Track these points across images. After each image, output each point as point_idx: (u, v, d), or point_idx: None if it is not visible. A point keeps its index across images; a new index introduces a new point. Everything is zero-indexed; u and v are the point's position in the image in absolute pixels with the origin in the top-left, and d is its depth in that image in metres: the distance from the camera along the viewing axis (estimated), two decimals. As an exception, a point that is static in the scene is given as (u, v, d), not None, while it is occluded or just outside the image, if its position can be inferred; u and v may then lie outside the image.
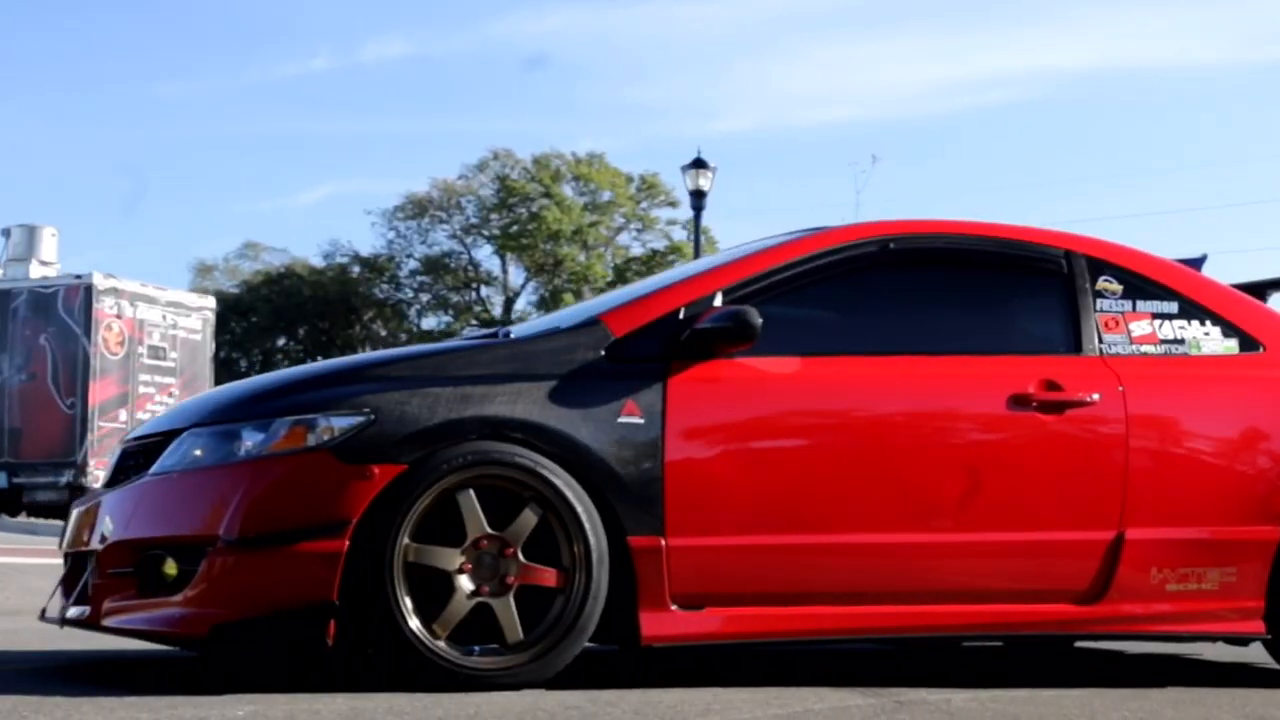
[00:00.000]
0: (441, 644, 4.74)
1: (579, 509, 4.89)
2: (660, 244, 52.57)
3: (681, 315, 5.21)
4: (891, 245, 5.65)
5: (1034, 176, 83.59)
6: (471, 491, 4.83)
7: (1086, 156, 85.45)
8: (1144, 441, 5.58)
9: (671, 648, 5.04)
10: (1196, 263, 6.45)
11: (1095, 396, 5.55)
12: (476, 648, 4.80)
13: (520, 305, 52.36)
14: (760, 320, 5.06)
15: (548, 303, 50.95)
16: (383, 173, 75.39)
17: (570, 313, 5.83)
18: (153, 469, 4.99)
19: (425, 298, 52.26)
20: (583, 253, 50.99)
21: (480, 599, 4.81)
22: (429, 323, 52.21)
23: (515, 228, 50.69)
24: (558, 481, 4.87)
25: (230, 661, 5.55)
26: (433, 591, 4.77)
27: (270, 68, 74.58)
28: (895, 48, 77.71)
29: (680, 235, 52.60)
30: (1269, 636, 5.71)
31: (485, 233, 51.51)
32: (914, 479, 5.31)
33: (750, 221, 79.44)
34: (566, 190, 51.33)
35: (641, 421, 5.01)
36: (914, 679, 5.45)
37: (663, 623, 4.99)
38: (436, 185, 51.45)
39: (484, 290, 52.36)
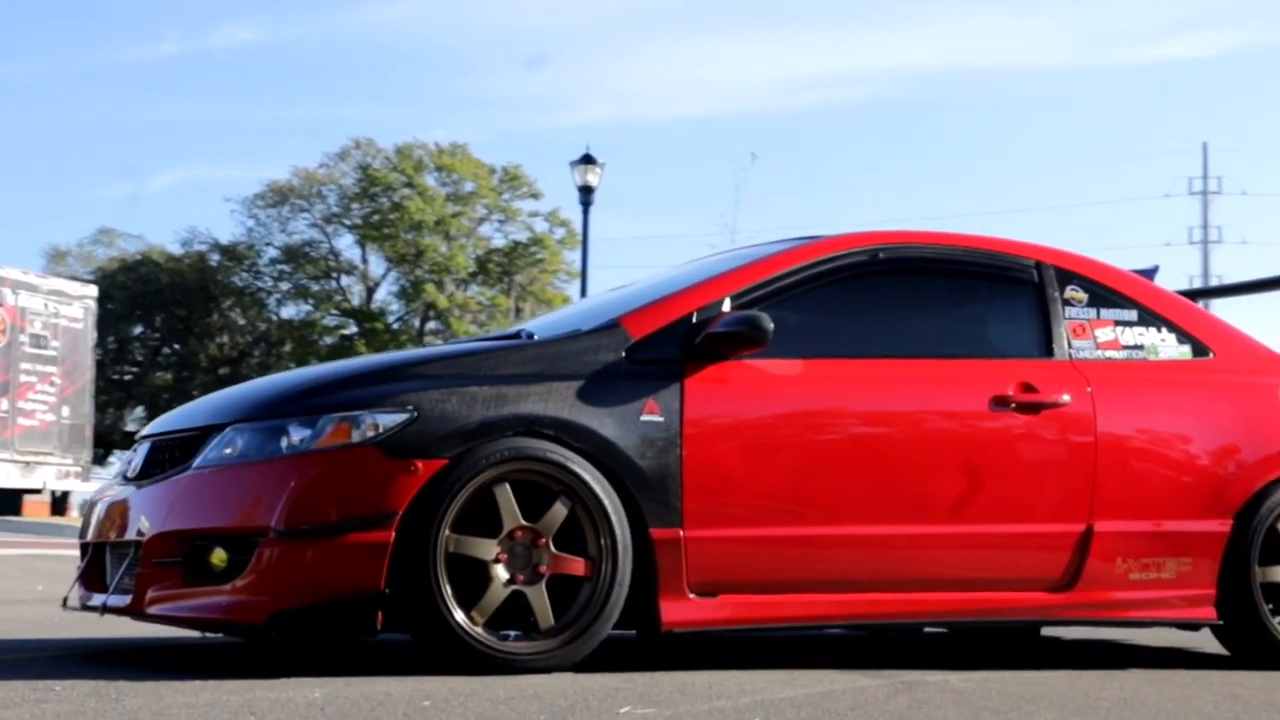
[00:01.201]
0: (480, 630, 5.00)
1: (606, 502, 5.17)
2: (522, 235, 52.73)
3: (695, 319, 5.51)
4: (880, 254, 6.00)
5: (881, 173, 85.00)
6: (507, 485, 5.09)
7: (933, 154, 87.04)
8: (1110, 440, 6.00)
9: (688, 633, 5.33)
10: (1149, 273, 6.91)
11: (1067, 398, 5.95)
12: (511, 633, 5.07)
13: (381, 295, 52.26)
14: (772, 325, 5.38)
15: (408, 293, 50.91)
16: (240, 160, 74.57)
17: (581, 313, 6.11)
18: (196, 463, 5.18)
19: (285, 287, 51.89)
20: (445, 243, 50.93)
21: (515, 587, 5.08)
22: (288, 312, 51.89)
23: (377, 217, 50.49)
24: (586, 476, 5.15)
25: (268, 647, 5.76)
26: (470, 580, 5.03)
27: (116, 51, 73.47)
28: (748, 44, 78.55)
29: (542, 227, 52.85)
30: (1220, 622, 6.16)
31: (346, 222, 51.26)
32: (907, 475, 5.67)
33: (617, 214, 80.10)
34: (429, 180, 51.23)
35: (661, 420, 5.31)
36: (904, 662, 5.82)
37: (681, 610, 5.29)
38: (297, 174, 51.09)
39: (344, 280, 52.13)
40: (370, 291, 52.06)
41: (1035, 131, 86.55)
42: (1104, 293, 6.32)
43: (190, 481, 5.16)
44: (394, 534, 4.93)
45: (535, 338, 5.51)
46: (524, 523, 5.11)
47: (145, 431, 5.86)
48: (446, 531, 4.99)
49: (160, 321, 50.50)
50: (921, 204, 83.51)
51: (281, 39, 71.78)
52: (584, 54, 78.44)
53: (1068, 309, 6.21)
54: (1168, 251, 59.01)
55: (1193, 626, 6.32)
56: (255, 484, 5.04)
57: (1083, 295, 6.27)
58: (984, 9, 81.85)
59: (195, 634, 6.04)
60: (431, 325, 51.48)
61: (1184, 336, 6.41)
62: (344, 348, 50.06)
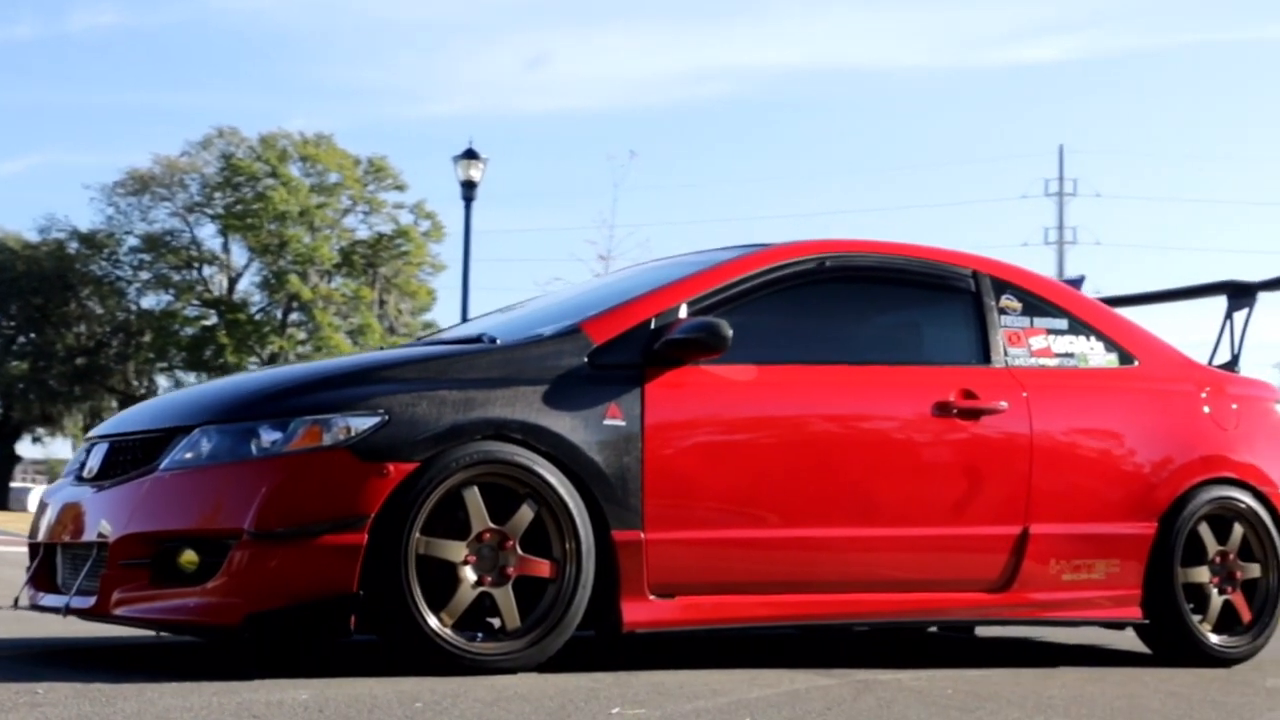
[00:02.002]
0: (449, 631, 5.06)
1: (571, 505, 5.25)
2: (387, 228, 52.44)
3: (653, 325, 5.60)
4: (827, 263, 6.14)
5: (746, 170, 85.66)
6: (476, 488, 5.15)
7: (796, 152, 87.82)
8: (1045, 445, 6.20)
9: (647, 634, 5.43)
10: (1076, 283, 7.12)
11: (1004, 404, 6.14)
12: (479, 634, 5.14)
13: (243, 286, 51.66)
14: (730, 332, 5.49)
15: (271, 284, 50.38)
16: (99, 146, 73.34)
17: (532, 316, 6.20)
18: (163, 464, 5.17)
19: (145, 276, 51.09)
20: (309, 234, 50.49)
21: (483, 589, 5.14)
22: (148, 301, 51.10)
23: (240, 207, 49.92)
24: (552, 479, 5.23)
25: (233, 648, 5.76)
26: (439, 582, 5.08)
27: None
28: (613, 39, 78.77)
29: (407, 219, 52.59)
30: (1147, 622, 6.39)
31: (209, 211, 50.61)
32: (856, 479, 5.82)
33: (483, 207, 79.67)
34: (293, 170, 50.76)
35: (623, 424, 5.41)
36: (847, 660, 5.97)
37: (642, 611, 5.39)
38: (159, 161, 50.32)
39: (206, 270, 51.45)
40: (232, 282, 51.46)
41: (897, 131, 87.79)
42: (1036, 302, 6.53)
43: (157, 483, 5.15)
44: (367, 536, 4.97)
45: (498, 342, 5.57)
46: (492, 525, 5.17)
47: (99, 431, 5.84)
48: (417, 534, 5.04)
49: (15, 310, 49.46)
50: (785, 201, 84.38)
51: (142, 23, 70.71)
52: (447, 46, 78.10)
53: (1003, 317, 6.40)
54: (1024, 251, 60.03)
55: (1119, 626, 6.55)
56: (226, 486, 5.05)
57: (1017, 304, 6.46)
58: (845, 8, 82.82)
59: (148, 634, 6.02)
60: (294, 317, 51.03)
61: (1111, 345, 6.63)
62: (205, 339, 49.47)
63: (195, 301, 51.17)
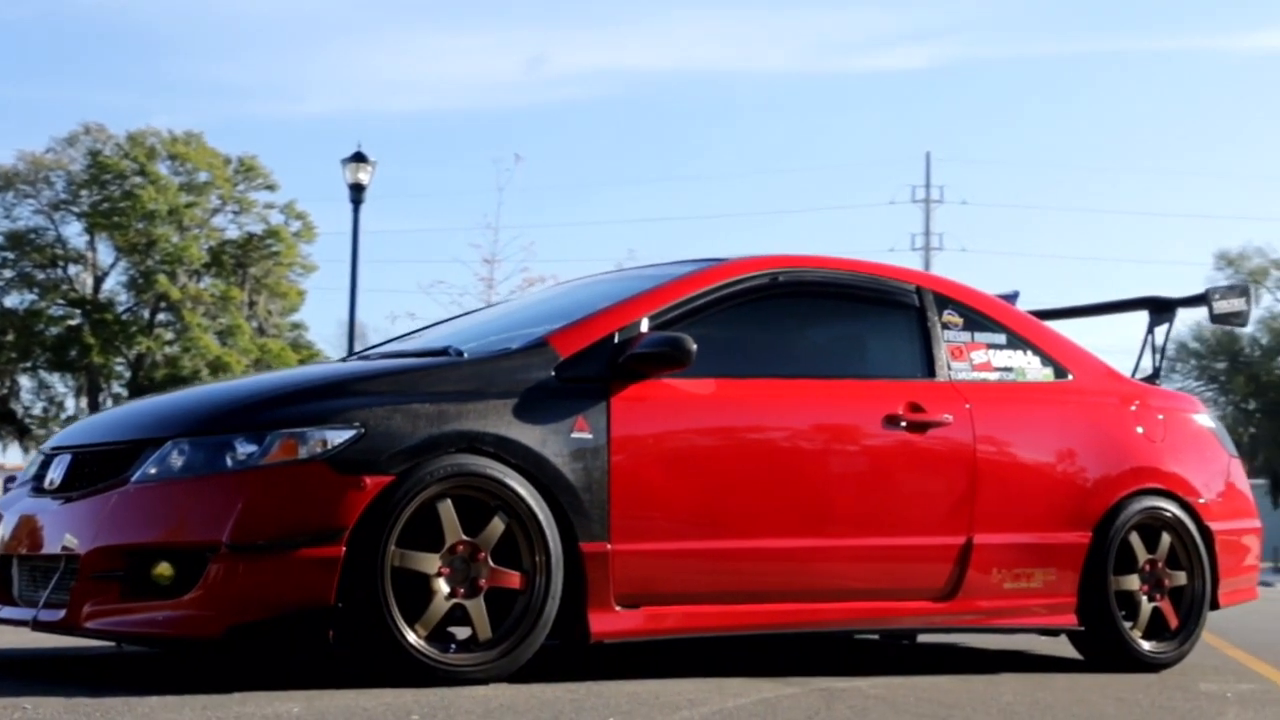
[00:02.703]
0: (423, 643, 5.10)
1: (541, 518, 5.32)
2: (258, 228, 51.91)
3: (616, 339, 5.68)
4: (779, 278, 6.26)
5: (612, 172, 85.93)
6: (449, 500, 5.20)
7: (663, 155, 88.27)
8: (987, 457, 6.37)
9: (614, 644, 5.51)
10: (1011, 298, 7.30)
11: (949, 417, 6.30)
12: (453, 645, 5.19)
13: (109, 285, 50.83)
14: (694, 346, 5.58)
15: (139, 284, 49.64)
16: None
17: (488, 326, 6.30)
18: (135, 476, 5.15)
19: (8, 274, 50.07)
20: (178, 234, 49.81)
21: (456, 600, 5.19)
22: (11, 300, 50.05)
23: (107, 205, 49.09)
24: (523, 492, 5.29)
25: (193, 660, 5.74)
26: (413, 594, 5.12)
27: None
28: (481, 39, 78.69)
29: (278, 219, 52.11)
30: (1082, 629, 6.58)
31: (75, 209, 49.72)
32: (811, 491, 5.94)
33: (387, 205, 79.51)
34: (162, 169, 50.05)
35: (590, 437, 5.48)
36: (804, 669, 6.09)
37: (608, 621, 5.47)
38: (23, 158, 49.35)
39: (72, 268, 50.54)
40: (99, 281, 50.61)
41: (764, 136, 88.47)
42: (977, 317, 6.70)
43: (129, 495, 5.13)
44: (344, 549, 5.00)
45: (465, 355, 5.61)
46: (464, 537, 5.22)
47: (57, 443, 5.79)
48: (393, 546, 5.07)
49: None
50: (653, 204, 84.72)
51: (2, 16, 69.26)
52: (314, 44, 77.52)
53: (946, 332, 6.56)
54: (892, 257, 60.79)
55: (1054, 633, 6.75)
56: (202, 499, 5.05)
57: (959, 319, 6.63)
58: (701, 12, 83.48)
59: (102, 645, 5.98)
60: (162, 317, 50.33)
61: (1046, 359, 6.83)
62: (70, 339, 48.62)
63: (60, 301, 50.23)
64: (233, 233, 51.83)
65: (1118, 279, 73.42)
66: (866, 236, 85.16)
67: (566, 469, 5.40)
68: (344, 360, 7.06)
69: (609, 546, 5.46)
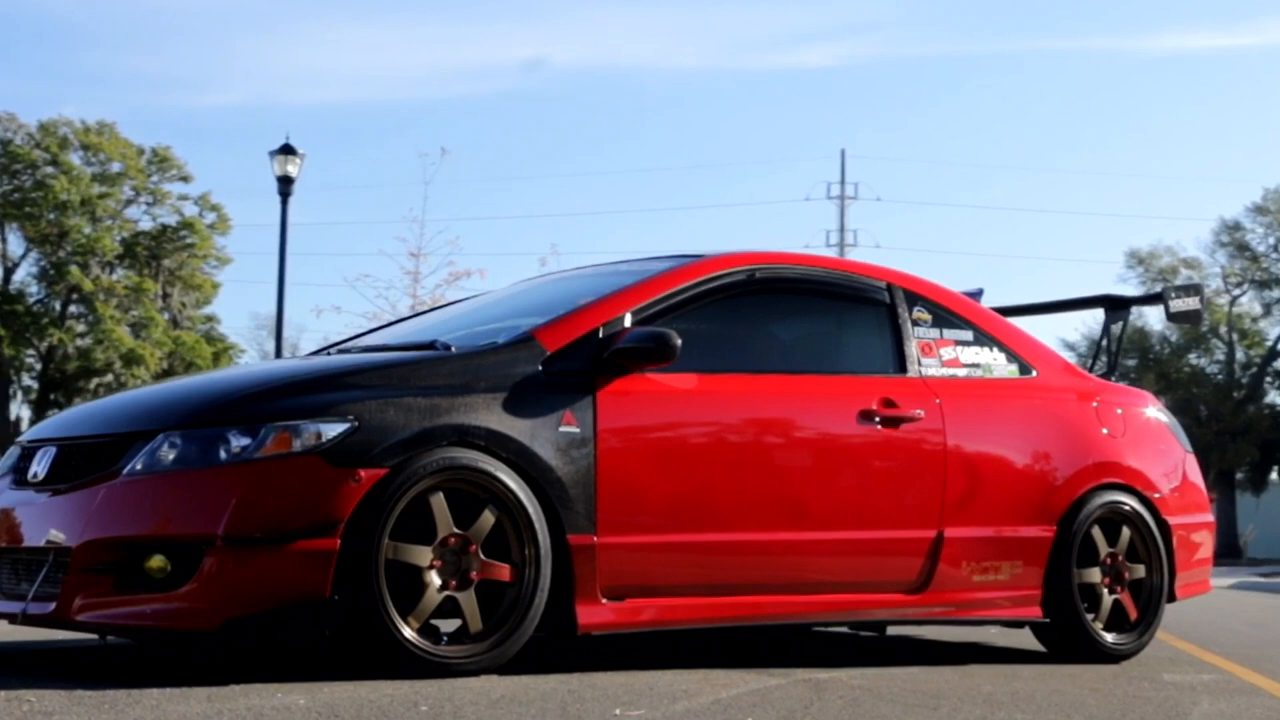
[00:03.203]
0: (416, 635, 5.13)
1: (530, 511, 5.36)
2: (171, 219, 51.43)
3: (600, 334, 5.73)
4: (757, 274, 6.33)
5: (528, 166, 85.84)
6: (441, 493, 5.23)
7: (577, 150, 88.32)
8: (957, 452, 6.48)
9: (599, 636, 5.56)
10: (976, 295, 7.41)
11: (920, 413, 6.40)
12: (445, 637, 5.22)
13: (20, 276, 50.15)
14: (680, 342, 5.64)
15: (50, 275, 49.02)
16: None
17: (465, 319, 6.35)
18: (126, 469, 5.14)
19: (-86, 265, 49.31)
20: (90, 225, 49.26)
21: (448, 593, 5.22)
22: (-87, 291, 49.28)
23: (18, 195, 48.46)
24: (513, 485, 5.34)
25: (193, 653, 5.74)
26: (405, 586, 5.15)
27: None
28: (399, 32, 78.36)
29: (192, 210, 51.66)
30: (1048, 620, 6.70)
31: (-15, 199, 49.02)
32: (789, 485, 6.02)
33: (267, 200, 78.76)
34: (74, 159, 49.46)
35: (578, 431, 5.53)
36: (783, 660, 6.16)
37: (595, 613, 5.52)
38: (-69, 147, 48.62)
39: (-19, 259, 49.83)
40: (9, 272, 49.92)
41: (680, 131, 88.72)
42: (944, 314, 6.80)
43: (120, 488, 5.12)
44: (339, 542, 5.02)
45: (453, 349, 5.64)
46: (456, 530, 5.25)
47: (38, 435, 5.76)
48: (386, 539, 5.10)
49: None
50: (575, 199, 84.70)
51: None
52: (227, 35, 76.86)
53: (916, 329, 6.66)
54: (807, 253, 61.21)
55: (1019, 624, 6.86)
56: (196, 491, 5.05)
57: (927, 316, 6.73)
58: (623, 9, 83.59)
59: (83, 638, 5.96)
60: (74, 309, 49.74)
61: (1012, 356, 6.95)
62: (-20, 330, 47.93)
63: (-32, 292, 49.51)
64: (146, 224, 51.34)
65: (1029, 276, 74.31)
66: (783, 232, 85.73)
67: (555, 462, 5.44)
68: (312, 355, 7.05)
69: (595, 539, 5.52)
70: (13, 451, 5.91)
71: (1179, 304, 7.78)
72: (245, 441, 5.08)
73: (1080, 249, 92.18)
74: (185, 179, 51.91)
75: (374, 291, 24.89)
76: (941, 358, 6.69)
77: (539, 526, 5.38)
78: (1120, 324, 7.96)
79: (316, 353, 7.11)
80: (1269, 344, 51.60)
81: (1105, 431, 7.05)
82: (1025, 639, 7.44)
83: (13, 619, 5.28)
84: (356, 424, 5.13)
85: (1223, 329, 51.00)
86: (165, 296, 51.09)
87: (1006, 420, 6.77)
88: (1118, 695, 5.57)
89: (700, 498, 5.80)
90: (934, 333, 6.72)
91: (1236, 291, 52.34)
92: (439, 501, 5.23)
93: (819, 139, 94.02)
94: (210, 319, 54.75)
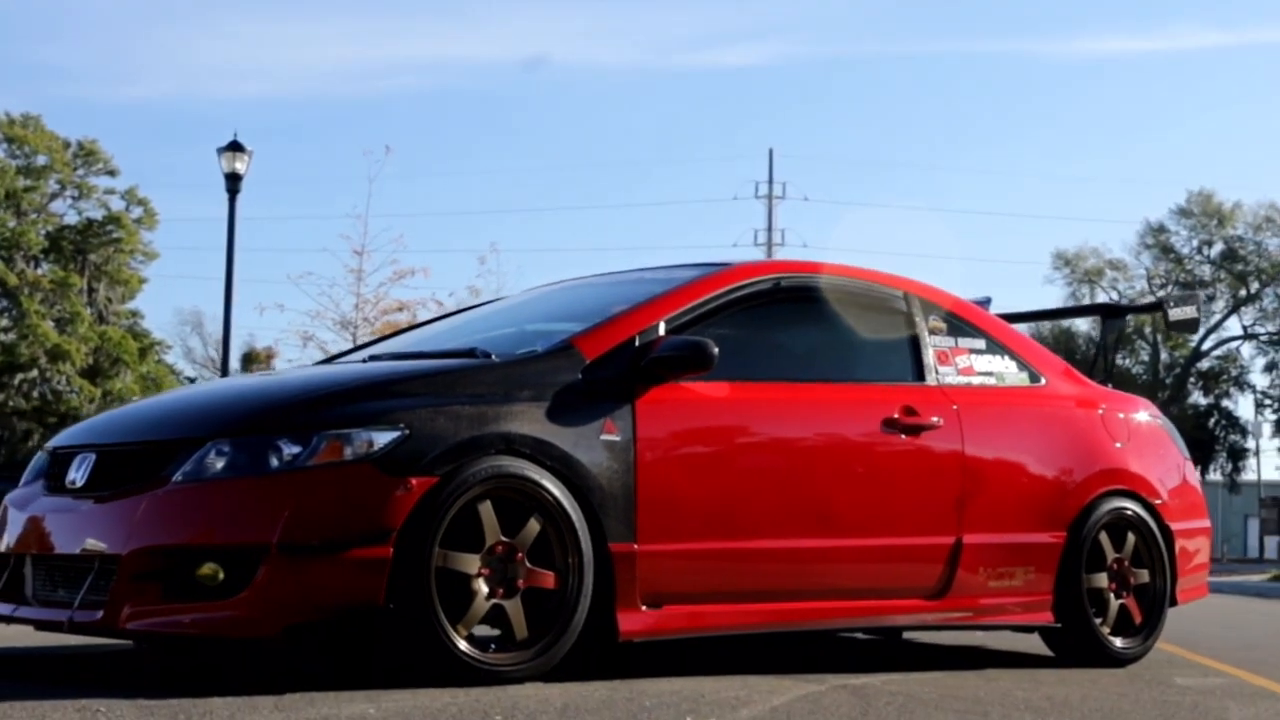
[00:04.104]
0: (465, 643, 5.15)
1: (574, 519, 5.39)
2: (98, 213, 50.95)
3: (636, 342, 5.77)
4: (781, 283, 6.39)
5: (452, 163, 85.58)
6: (489, 501, 5.25)
7: (508, 146, 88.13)
8: (974, 460, 6.56)
9: (639, 643, 5.59)
10: (984, 304, 7.51)
11: (940, 421, 6.48)
12: (492, 645, 5.24)
13: (-59, 271, 49.49)
14: (716, 350, 5.69)
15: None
16: None
17: (497, 316, 6.46)
18: (176, 477, 5.12)
19: None
20: (15, 218, 48.72)
21: (495, 601, 5.24)
22: None
23: (-60, 189, 47.87)
24: (558, 493, 5.36)
25: (235, 663, 5.72)
26: (453, 594, 5.17)
27: None
28: (314, 27, 77.98)
29: (119, 205, 51.19)
30: (1059, 625, 6.80)
31: (-94, 192, 48.34)
32: (818, 492, 6.09)
33: (196, 193, 78.23)
34: (-2, 151, 48.91)
35: (619, 439, 5.56)
36: (811, 666, 6.23)
37: (635, 620, 5.56)
38: None
39: (-98, 254, 49.12)
40: (-70, 267, 49.27)
41: (610, 130, 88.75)
42: (958, 323, 6.90)
43: (171, 495, 5.10)
44: (392, 550, 5.03)
45: (494, 357, 5.66)
46: (503, 538, 5.27)
47: (71, 441, 5.72)
48: (437, 547, 5.11)
49: None
50: (499, 195, 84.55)
51: None
52: (143, 27, 76.16)
53: (933, 337, 6.74)
54: (735, 252, 61.37)
55: (1030, 629, 6.96)
56: (249, 499, 5.04)
57: (943, 325, 6.82)
58: (548, 7, 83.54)
59: (94, 643, 5.93)
60: (-2, 304, 49.16)
61: (1022, 364, 7.05)
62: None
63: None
64: (72, 218, 50.86)
65: (957, 277, 74.86)
66: (711, 231, 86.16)
67: (597, 471, 5.48)
68: (334, 359, 7.05)
69: (635, 547, 5.55)
70: (41, 458, 5.88)
71: (1178, 312, 7.91)
72: (296, 449, 5.08)
73: (1007, 250, 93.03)
74: (112, 173, 51.52)
75: (317, 289, 24.75)
76: (957, 366, 6.78)
77: (582, 534, 5.41)
78: (1115, 333, 8.07)
79: (334, 359, 7.11)
80: (1193, 345, 52.32)
81: (1111, 438, 7.16)
82: (1017, 642, 7.58)
83: (58, 627, 5.26)
84: (408, 432, 5.14)
85: (1148, 330, 51.71)
86: (91, 291, 50.59)
87: (1019, 428, 6.86)
88: (1147, 701, 5.67)
89: (734, 505, 5.85)
90: (949, 341, 6.81)
91: (1161, 293, 53.03)
92: (487, 509, 5.25)
93: (749, 138, 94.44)
94: (134, 314, 54.26)
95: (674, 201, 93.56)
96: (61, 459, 5.64)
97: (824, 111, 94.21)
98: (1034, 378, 7.08)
